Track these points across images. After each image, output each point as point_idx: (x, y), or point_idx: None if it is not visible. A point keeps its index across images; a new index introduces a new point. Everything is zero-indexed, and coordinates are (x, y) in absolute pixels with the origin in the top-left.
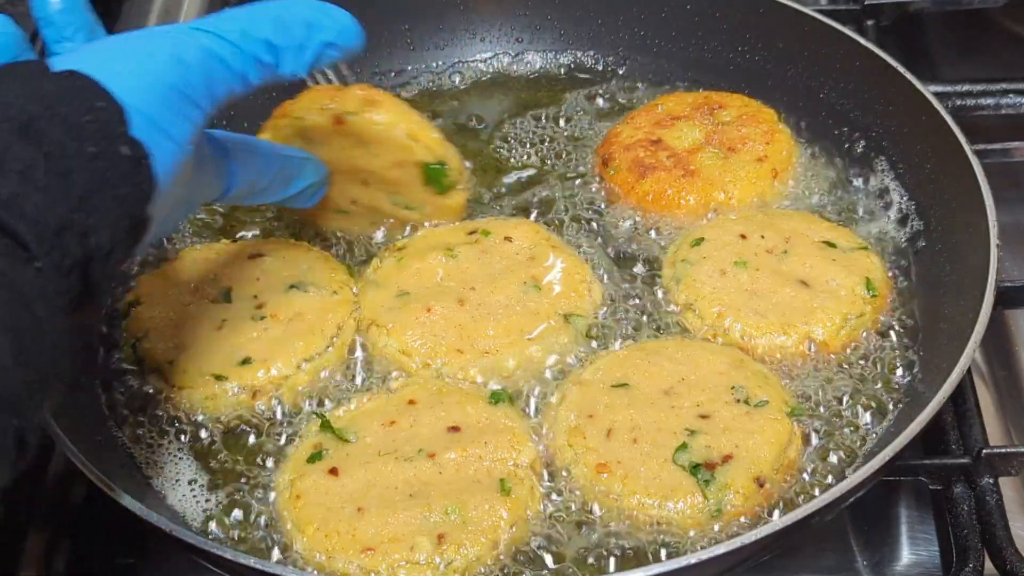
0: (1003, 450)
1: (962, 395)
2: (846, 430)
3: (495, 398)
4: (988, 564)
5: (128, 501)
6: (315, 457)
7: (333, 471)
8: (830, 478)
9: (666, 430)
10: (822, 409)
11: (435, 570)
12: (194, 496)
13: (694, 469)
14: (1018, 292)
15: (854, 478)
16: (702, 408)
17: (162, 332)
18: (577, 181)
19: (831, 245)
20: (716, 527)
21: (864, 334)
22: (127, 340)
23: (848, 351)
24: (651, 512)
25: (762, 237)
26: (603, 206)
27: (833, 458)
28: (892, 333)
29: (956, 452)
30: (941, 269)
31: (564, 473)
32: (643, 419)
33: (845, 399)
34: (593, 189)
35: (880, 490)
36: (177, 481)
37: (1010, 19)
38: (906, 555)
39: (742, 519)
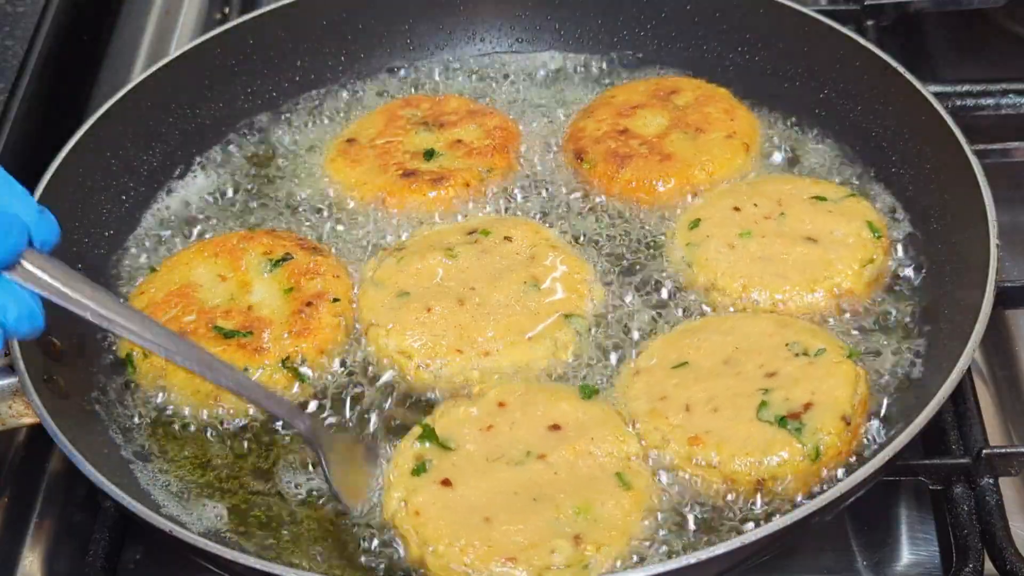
0: (1003, 450)
1: (962, 395)
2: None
3: (586, 393)
4: (988, 564)
5: (128, 501)
6: (419, 470)
7: (446, 482)
8: (872, 431)
9: (741, 394)
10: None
11: (580, 572)
12: (195, 497)
13: (781, 421)
14: (1018, 292)
15: (854, 478)
16: (766, 368)
17: None
18: (555, 179)
19: (821, 199)
20: (820, 472)
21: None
22: (124, 348)
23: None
24: (755, 470)
25: (755, 205)
26: (586, 200)
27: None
28: (891, 332)
29: (956, 452)
30: (941, 269)
31: (656, 455)
32: (715, 390)
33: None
34: (571, 185)
35: (880, 490)
36: (172, 484)
37: (1010, 19)
38: (906, 555)
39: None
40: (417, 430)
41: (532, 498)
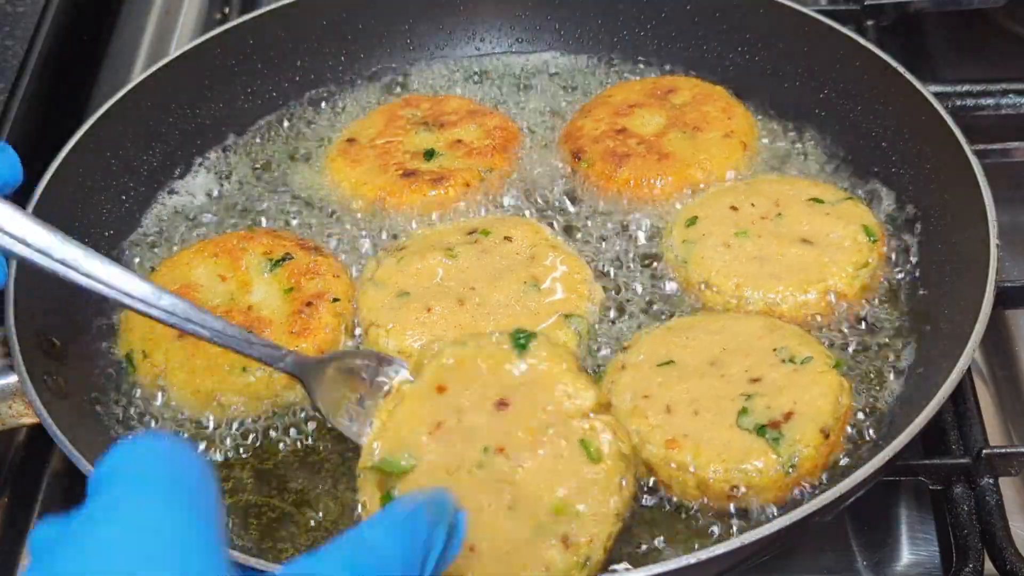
0: (1003, 450)
1: (962, 395)
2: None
3: (518, 344)
4: (988, 564)
5: None
6: (386, 500)
7: None
8: (872, 431)
9: (724, 398)
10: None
11: (581, 570)
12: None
13: (760, 430)
14: (1018, 292)
15: (854, 478)
16: (751, 373)
17: (159, 342)
18: (554, 178)
19: (819, 201)
20: (793, 488)
21: (866, 311)
22: (124, 348)
23: (852, 347)
24: (728, 478)
25: (752, 205)
26: (585, 200)
27: (869, 403)
28: (892, 332)
29: (956, 452)
30: (941, 269)
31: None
32: (698, 391)
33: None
34: (569, 184)
35: (880, 490)
36: None
37: (1010, 19)
38: (906, 555)
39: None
40: (366, 461)
41: (507, 507)
